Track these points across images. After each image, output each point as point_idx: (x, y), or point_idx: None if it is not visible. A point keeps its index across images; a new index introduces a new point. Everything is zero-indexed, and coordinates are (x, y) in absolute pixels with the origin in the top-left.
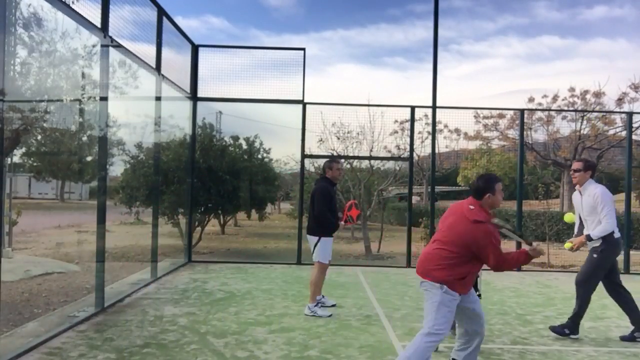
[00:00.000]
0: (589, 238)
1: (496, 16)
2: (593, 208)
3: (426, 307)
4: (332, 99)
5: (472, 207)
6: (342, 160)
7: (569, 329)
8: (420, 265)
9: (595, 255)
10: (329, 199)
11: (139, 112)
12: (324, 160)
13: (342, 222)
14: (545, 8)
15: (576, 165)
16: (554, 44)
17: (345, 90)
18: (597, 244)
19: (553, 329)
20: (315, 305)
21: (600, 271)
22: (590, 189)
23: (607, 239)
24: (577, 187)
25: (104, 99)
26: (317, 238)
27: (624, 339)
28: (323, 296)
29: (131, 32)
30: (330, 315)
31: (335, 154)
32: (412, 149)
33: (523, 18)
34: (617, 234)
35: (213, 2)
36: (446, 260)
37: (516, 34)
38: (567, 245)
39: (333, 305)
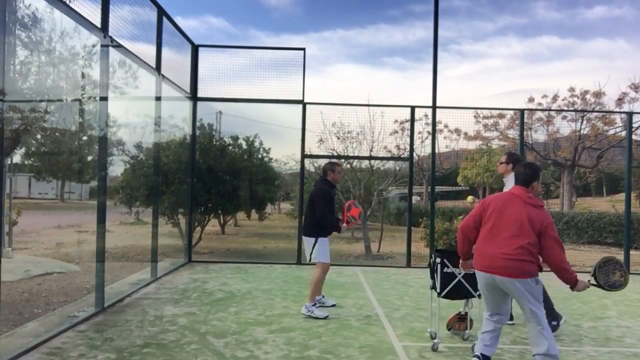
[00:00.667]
0: None
1: (495, 16)
2: None
3: (524, 302)
4: (332, 99)
5: (530, 195)
6: (342, 160)
7: (554, 319)
8: (506, 266)
9: None
10: (330, 200)
11: (139, 112)
12: (324, 160)
13: (344, 224)
14: (545, 8)
15: (503, 158)
16: (553, 44)
17: (345, 90)
18: None
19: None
20: (313, 305)
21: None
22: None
23: None
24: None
25: (104, 99)
26: (314, 239)
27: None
28: (323, 296)
29: (131, 32)
30: (326, 317)
31: (335, 154)
32: (412, 149)
33: (522, 18)
34: None
35: (212, 2)
36: (533, 252)
37: (515, 34)
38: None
39: (333, 306)
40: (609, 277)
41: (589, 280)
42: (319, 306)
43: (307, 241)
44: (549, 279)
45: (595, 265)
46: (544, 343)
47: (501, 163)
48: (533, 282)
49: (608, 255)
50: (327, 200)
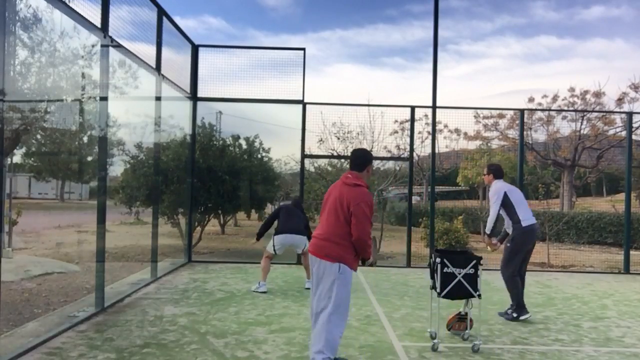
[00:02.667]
0: (485, 233)
1: (493, 16)
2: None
3: (323, 287)
4: (331, 99)
5: (350, 176)
6: (342, 160)
7: (515, 312)
8: (315, 244)
9: (508, 244)
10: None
11: (139, 112)
12: (324, 160)
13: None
14: (543, 8)
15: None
16: (551, 44)
17: (344, 90)
18: (510, 233)
19: (501, 314)
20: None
21: (515, 256)
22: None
23: (516, 228)
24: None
25: (104, 99)
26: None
27: (500, 314)
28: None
29: (131, 32)
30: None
31: (335, 154)
32: (412, 149)
33: (520, 18)
34: (525, 222)
35: (210, 2)
36: (340, 234)
37: (514, 34)
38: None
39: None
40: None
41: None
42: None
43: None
44: (548, 279)
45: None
46: (321, 340)
47: (484, 175)
48: (336, 270)
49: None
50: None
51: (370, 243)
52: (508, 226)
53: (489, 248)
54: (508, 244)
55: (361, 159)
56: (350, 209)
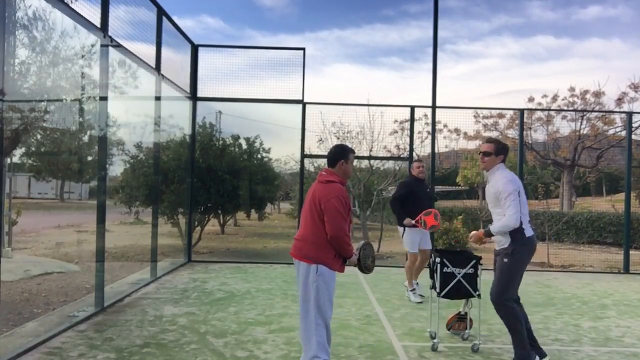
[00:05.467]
0: (488, 233)
1: (491, 16)
2: (497, 199)
3: (304, 291)
4: (330, 99)
5: (324, 172)
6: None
7: (538, 355)
8: (294, 246)
9: (506, 260)
10: (407, 193)
11: (139, 112)
12: (324, 160)
13: (410, 221)
14: (540, 8)
15: (485, 147)
16: (549, 44)
17: (343, 90)
18: (506, 246)
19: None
20: (411, 290)
21: (516, 277)
22: (496, 175)
23: (516, 238)
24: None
25: (104, 99)
26: (402, 229)
27: None
28: (417, 283)
29: (131, 32)
30: (421, 302)
31: None
32: (412, 149)
33: (518, 18)
34: (528, 232)
35: (208, 2)
36: (317, 233)
37: (511, 34)
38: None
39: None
40: (367, 261)
41: (358, 259)
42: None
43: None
44: (548, 279)
45: (360, 246)
46: (313, 344)
47: (486, 155)
48: (314, 272)
49: (368, 241)
50: (401, 192)
51: (347, 240)
52: (504, 235)
53: (472, 241)
54: (505, 260)
55: (332, 154)
56: (322, 206)
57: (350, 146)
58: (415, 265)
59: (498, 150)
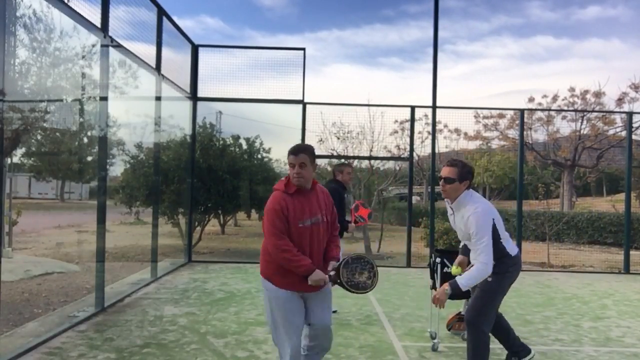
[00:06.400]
0: (455, 286)
1: (490, 16)
2: (466, 234)
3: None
4: (330, 99)
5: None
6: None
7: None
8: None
9: (490, 279)
10: (339, 200)
11: (139, 112)
12: (324, 160)
13: (352, 224)
14: (539, 8)
15: (447, 172)
16: (548, 44)
17: (343, 90)
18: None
19: None
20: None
21: (500, 298)
22: (465, 208)
23: (502, 261)
24: (446, 200)
25: (104, 99)
26: None
27: None
28: None
29: (131, 32)
30: (335, 311)
31: (335, 153)
32: (412, 149)
33: (517, 18)
34: (513, 251)
35: (207, 2)
36: (264, 248)
37: (511, 34)
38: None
39: (334, 312)
40: (354, 277)
41: (329, 274)
42: None
43: None
44: (548, 279)
45: (342, 260)
46: None
47: (447, 182)
48: (263, 286)
49: (361, 253)
50: (337, 200)
51: (284, 255)
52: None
53: (436, 302)
54: (489, 279)
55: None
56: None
57: (351, 147)
58: None
59: (462, 175)
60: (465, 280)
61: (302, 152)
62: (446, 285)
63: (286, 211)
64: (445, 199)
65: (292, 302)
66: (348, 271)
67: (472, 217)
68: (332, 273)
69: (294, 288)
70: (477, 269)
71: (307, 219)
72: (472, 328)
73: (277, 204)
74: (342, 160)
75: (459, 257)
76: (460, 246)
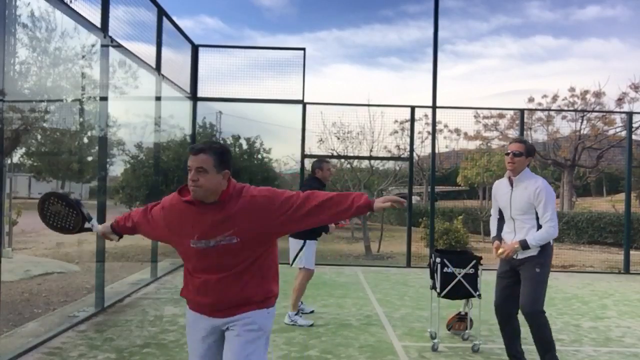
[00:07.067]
0: (525, 245)
1: (489, 16)
2: (529, 205)
3: None
4: (329, 99)
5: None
6: (342, 160)
7: None
8: None
9: (538, 270)
10: None
11: (139, 112)
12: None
13: (332, 225)
14: (538, 8)
15: (516, 147)
16: (548, 44)
17: (342, 90)
18: (535, 254)
19: None
20: (296, 314)
21: (546, 286)
22: (529, 181)
23: (546, 247)
24: (509, 174)
25: (104, 99)
26: (301, 242)
27: None
28: (302, 302)
29: (131, 32)
30: (312, 325)
31: (335, 154)
32: (412, 149)
33: (516, 18)
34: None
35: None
36: None
37: (510, 34)
38: (500, 251)
39: (312, 312)
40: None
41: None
42: (300, 314)
43: (293, 243)
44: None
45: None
46: None
47: (516, 155)
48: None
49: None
50: None
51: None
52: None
53: (505, 255)
54: (537, 270)
55: None
56: None
57: (351, 147)
58: (307, 283)
59: (529, 150)
60: (536, 239)
61: (203, 152)
62: (516, 243)
63: (164, 220)
64: (498, 182)
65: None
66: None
67: (541, 188)
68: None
69: (191, 307)
70: (546, 231)
71: (199, 240)
72: (534, 315)
73: (160, 203)
74: (342, 161)
75: (497, 243)
76: (494, 234)
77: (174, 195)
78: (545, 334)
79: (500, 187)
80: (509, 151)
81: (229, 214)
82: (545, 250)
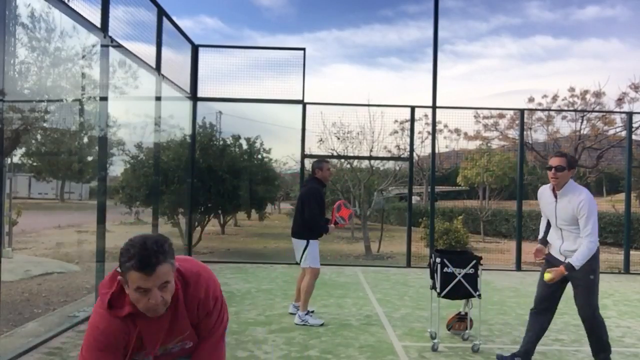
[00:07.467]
0: (571, 268)
1: (489, 16)
2: (574, 218)
3: None
4: (329, 99)
5: None
6: (342, 160)
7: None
8: None
9: (592, 277)
10: (320, 201)
11: (139, 112)
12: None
13: (332, 225)
14: (538, 8)
15: (557, 161)
16: (547, 44)
17: (342, 90)
18: (585, 262)
19: None
20: (306, 314)
21: (598, 289)
22: (572, 194)
23: (596, 255)
24: (553, 187)
25: (104, 99)
26: (305, 242)
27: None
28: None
29: (131, 32)
30: (322, 324)
31: (335, 154)
32: (412, 149)
33: (516, 18)
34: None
35: (206, 2)
36: None
37: (510, 34)
38: (547, 276)
39: (312, 312)
40: None
41: None
42: (310, 314)
43: (297, 244)
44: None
45: None
46: None
47: (559, 170)
48: None
49: None
50: (318, 200)
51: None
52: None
53: (552, 279)
54: (592, 277)
55: None
56: None
57: (351, 147)
58: (314, 282)
59: (570, 163)
60: (579, 260)
61: (159, 264)
62: (563, 269)
63: (120, 344)
64: (543, 189)
65: None
66: None
67: (584, 202)
68: None
69: None
70: (587, 247)
71: (150, 351)
72: (591, 320)
73: (101, 335)
74: (342, 161)
75: (539, 247)
76: (540, 236)
77: (105, 316)
78: (601, 334)
79: (544, 195)
80: (551, 166)
81: (174, 319)
82: (595, 257)
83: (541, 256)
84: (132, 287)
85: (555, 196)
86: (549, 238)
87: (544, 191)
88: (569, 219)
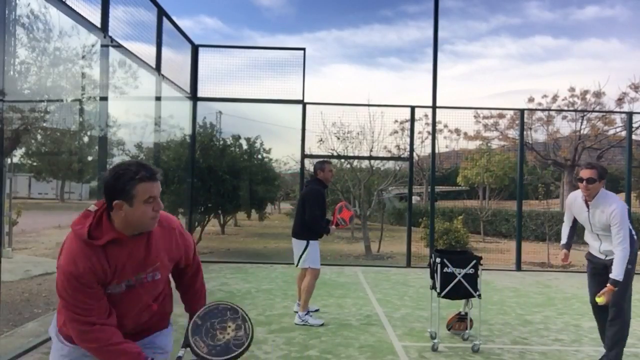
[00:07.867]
0: (616, 283)
1: (489, 16)
2: (607, 225)
3: None
4: (329, 99)
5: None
6: (342, 160)
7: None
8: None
9: (630, 266)
10: (322, 202)
11: (139, 112)
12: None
13: (333, 226)
14: (537, 8)
15: (588, 173)
16: (547, 44)
17: (342, 90)
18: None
19: None
20: (306, 314)
21: (631, 286)
22: (604, 205)
23: (633, 258)
24: (584, 198)
25: (104, 99)
26: (304, 242)
27: None
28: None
29: (131, 32)
30: (322, 324)
31: (335, 154)
32: (412, 149)
33: (515, 18)
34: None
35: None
36: None
37: (509, 34)
38: (600, 300)
39: (316, 310)
40: (216, 339)
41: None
42: (311, 314)
43: (297, 244)
44: (548, 279)
45: (189, 325)
46: None
47: (590, 182)
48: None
49: (211, 302)
50: (319, 201)
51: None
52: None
53: (604, 300)
54: (629, 266)
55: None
56: None
57: (351, 147)
58: (315, 282)
59: (601, 174)
60: (619, 270)
61: (156, 177)
62: (611, 287)
63: (99, 274)
64: (574, 197)
65: None
66: (204, 336)
67: (616, 212)
68: (181, 354)
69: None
70: (622, 256)
71: (124, 281)
72: (621, 318)
73: (80, 263)
74: (342, 161)
75: (565, 252)
76: (564, 242)
77: (82, 246)
78: (622, 330)
79: (576, 203)
80: (582, 178)
81: (154, 243)
82: (633, 259)
83: (568, 261)
84: (143, 198)
85: (588, 206)
86: (585, 239)
87: (575, 198)
88: (604, 227)
